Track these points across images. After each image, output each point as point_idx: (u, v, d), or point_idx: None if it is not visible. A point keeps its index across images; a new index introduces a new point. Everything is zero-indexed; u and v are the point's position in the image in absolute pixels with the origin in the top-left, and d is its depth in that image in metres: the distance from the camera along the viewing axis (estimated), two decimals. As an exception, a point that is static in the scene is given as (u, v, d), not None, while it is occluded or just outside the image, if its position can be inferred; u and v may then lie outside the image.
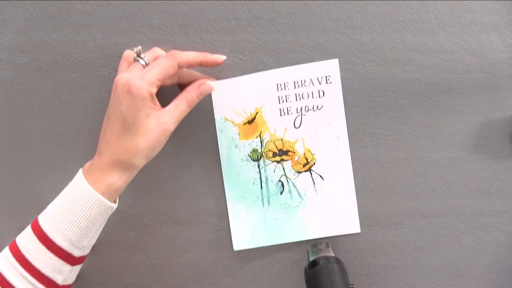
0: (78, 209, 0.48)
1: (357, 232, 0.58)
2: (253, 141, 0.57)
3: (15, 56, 0.56)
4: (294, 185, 0.58)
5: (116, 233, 0.60)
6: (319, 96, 0.55)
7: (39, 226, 0.48)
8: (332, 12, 0.54)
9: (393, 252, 0.59)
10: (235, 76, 0.55)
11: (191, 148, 0.58)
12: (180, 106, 0.50)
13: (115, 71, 0.55)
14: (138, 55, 0.52)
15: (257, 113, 0.56)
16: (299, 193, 0.58)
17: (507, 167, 0.57)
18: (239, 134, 0.57)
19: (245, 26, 0.55)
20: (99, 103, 0.56)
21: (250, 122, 0.56)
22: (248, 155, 0.57)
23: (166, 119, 0.49)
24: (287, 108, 0.56)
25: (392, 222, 0.59)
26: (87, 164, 0.51)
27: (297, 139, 0.57)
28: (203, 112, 0.57)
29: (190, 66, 0.51)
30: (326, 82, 0.55)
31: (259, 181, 0.58)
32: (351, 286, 0.50)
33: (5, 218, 0.60)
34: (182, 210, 0.59)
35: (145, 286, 0.61)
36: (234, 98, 0.56)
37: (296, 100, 0.55)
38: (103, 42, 0.55)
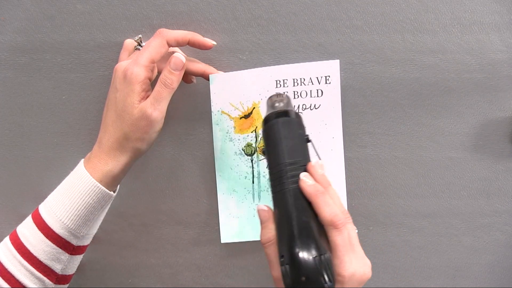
0: (76, 197, 0.48)
1: None
2: (248, 136, 0.57)
3: (15, 56, 0.55)
4: None
5: (116, 233, 0.60)
6: (317, 96, 0.55)
7: (39, 214, 0.49)
8: (332, 12, 0.54)
9: (393, 252, 0.59)
10: (235, 76, 0.56)
11: (190, 146, 0.58)
12: (158, 90, 0.49)
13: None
14: (139, 44, 0.52)
15: (254, 108, 0.56)
16: None
17: (507, 167, 0.57)
18: (234, 127, 0.57)
19: (245, 26, 0.55)
20: (99, 103, 0.56)
21: (246, 116, 0.56)
22: (242, 149, 0.57)
23: (150, 111, 0.48)
24: None
25: (392, 222, 0.59)
26: (89, 153, 0.51)
27: None
28: (202, 106, 0.57)
29: (179, 44, 0.51)
30: (326, 82, 0.55)
31: (251, 175, 0.57)
32: (306, 136, 0.45)
33: (5, 218, 0.60)
34: (182, 210, 0.59)
35: (145, 286, 0.61)
36: (232, 92, 0.55)
37: (294, 97, 0.55)
38: (103, 42, 0.55)
